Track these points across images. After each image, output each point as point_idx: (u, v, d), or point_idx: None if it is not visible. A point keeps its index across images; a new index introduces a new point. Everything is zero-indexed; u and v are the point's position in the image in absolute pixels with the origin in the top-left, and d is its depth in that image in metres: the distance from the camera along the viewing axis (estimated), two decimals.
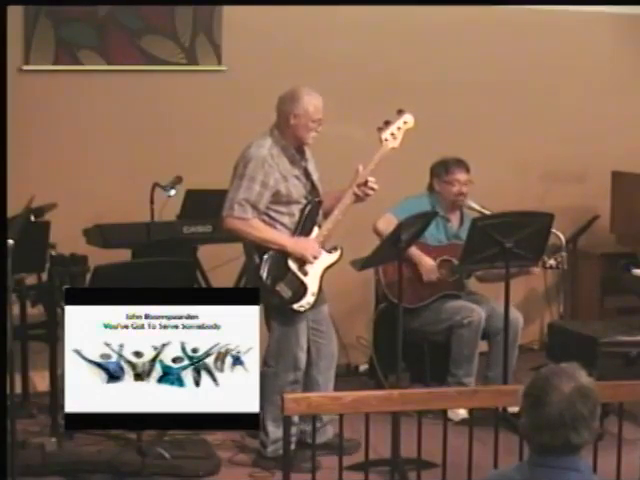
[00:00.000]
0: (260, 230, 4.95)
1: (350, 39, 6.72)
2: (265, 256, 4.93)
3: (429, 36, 6.91)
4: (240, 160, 4.98)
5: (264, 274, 4.92)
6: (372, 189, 5.02)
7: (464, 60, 6.96)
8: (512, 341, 5.69)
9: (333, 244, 5.13)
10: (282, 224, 5.01)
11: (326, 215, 5.11)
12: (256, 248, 4.97)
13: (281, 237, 4.97)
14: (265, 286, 4.90)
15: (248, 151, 4.97)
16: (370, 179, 5.02)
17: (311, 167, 5.11)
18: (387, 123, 5.09)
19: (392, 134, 5.09)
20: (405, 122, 5.11)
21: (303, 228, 5.04)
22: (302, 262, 5.00)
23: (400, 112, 5.12)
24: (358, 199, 5.05)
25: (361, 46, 6.75)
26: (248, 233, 4.95)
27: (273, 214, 5.00)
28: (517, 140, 7.15)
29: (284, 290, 4.95)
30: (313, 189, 5.09)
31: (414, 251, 5.75)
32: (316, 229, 5.06)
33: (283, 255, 4.96)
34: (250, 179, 4.91)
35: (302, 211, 5.03)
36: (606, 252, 7.12)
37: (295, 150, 5.02)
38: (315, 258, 5.01)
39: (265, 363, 5.07)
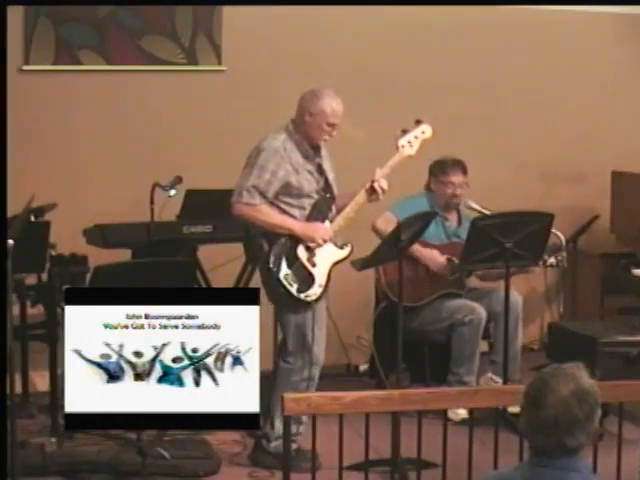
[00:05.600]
0: (268, 215, 4.98)
1: (350, 39, 6.73)
2: (274, 244, 4.96)
3: (429, 37, 6.91)
4: (253, 150, 5.03)
5: (272, 262, 4.95)
6: (382, 189, 5.06)
7: (464, 60, 6.96)
8: (514, 324, 5.71)
9: (345, 241, 5.15)
10: (292, 216, 5.03)
11: (340, 213, 5.14)
12: (264, 236, 5.00)
13: (290, 221, 5.00)
14: (273, 274, 4.93)
15: (262, 143, 5.02)
16: (382, 181, 5.06)
17: (326, 165, 5.14)
18: (404, 131, 5.16)
19: (409, 142, 5.16)
20: (423, 132, 5.19)
21: (314, 222, 5.07)
22: (311, 252, 5.02)
23: (418, 122, 5.19)
24: (371, 198, 5.10)
25: (361, 46, 6.75)
26: (256, 218, 4.98)
27: (283, 206, 5.02)
28: (517, 140, 7.15)
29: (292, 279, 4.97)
30: (326, 186, 5.12)
31: (415, 247, 5.75)
32: (327, 224, 5.09)
33: (292, 244, 4.98)
34: (260, 168, 4.95)
35: (314, 206, 5.07)
36: (606, 252, 7.12)
37: (309, 146, 5.05)
38: (325, 241, 5.03)
39: (282, 358, 5.10)
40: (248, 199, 4.96)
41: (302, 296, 5.00)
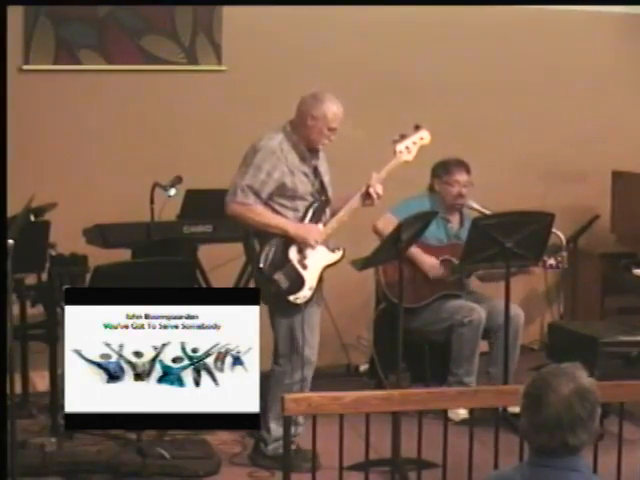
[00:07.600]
0: (262, 215, 4.98)
1: (351, 39, 6.73)
2: (265, 244, 4.96)
3: (430, 36, 6.91)
4: (250, 150, 5.03)
5: (262, 262, 4.95)
6: (377, 194, 5.06)
7: (465, 60, 6.97)
8: (513, 338, 5.69)
9: (337, 245, 5.14)
10: (286, 218, 5.02)
11: (334, 216, 5.13)
12: (257, 236, 5.00)
13: (283, 221, 5.00)
14: (263, 273, 4.94)
15: (259, 143, 5.02)
16: (378, 186, 5.06)
17: (322, 168, 5.14)
18: (403, 136, 5.15)
19: (407, 147, 5.15)
20: (421, 138, 5.18)
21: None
22: (303, 254, 5.01)
23: (417, 128, 5.19)
24: (365, 203, 5.09)
25: (361, 46, 6.75)
26: (249, 218, 4.98)
27: (277, 207, 5.02)
28: (517, 140, 7.15)
29: (281, 279, 4.97)
30: (322, 188, 5.12)
31: (414, 250, 5.75)
32: (320, 226, 5.08)
33: (284, 245, 4.98)
34: (256, 168, 4.96)
35: (307, 208, 5.06)
36: (606, 252, 7.12)
37: (306, 148, 5.05)
38: (317, 242, 5.02)
39: (275, 362, 5.10)
40: (242, 198, 4.96)
41: (291, 298, 4.98)
